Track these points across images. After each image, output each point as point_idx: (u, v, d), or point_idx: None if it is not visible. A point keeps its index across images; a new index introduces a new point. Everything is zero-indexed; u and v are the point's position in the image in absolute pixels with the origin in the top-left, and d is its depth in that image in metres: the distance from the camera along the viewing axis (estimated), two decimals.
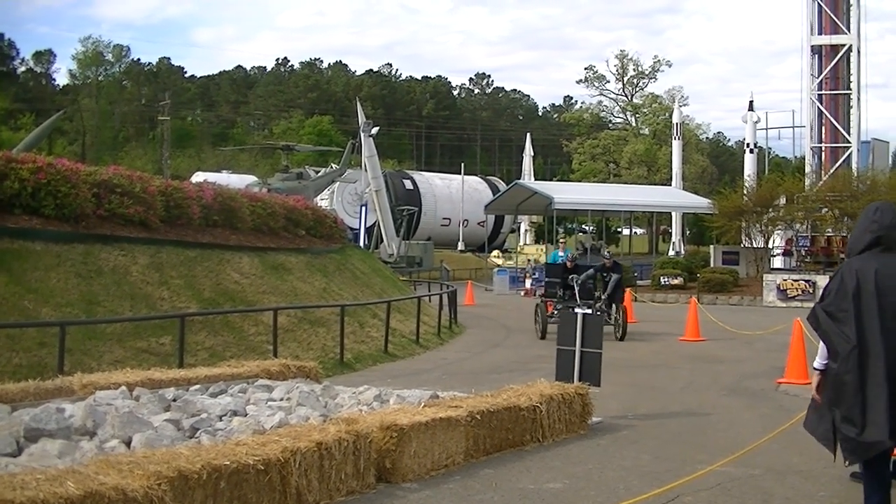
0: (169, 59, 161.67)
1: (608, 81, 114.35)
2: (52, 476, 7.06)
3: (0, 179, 18.63)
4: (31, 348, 15.74)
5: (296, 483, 8.77)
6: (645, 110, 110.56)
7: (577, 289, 26.64)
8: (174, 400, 11.27)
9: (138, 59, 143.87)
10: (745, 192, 55.09)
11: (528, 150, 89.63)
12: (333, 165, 72.59)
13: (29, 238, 18.43)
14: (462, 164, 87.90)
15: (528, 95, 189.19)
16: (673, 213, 73.88)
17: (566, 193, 63.94)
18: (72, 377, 12.08)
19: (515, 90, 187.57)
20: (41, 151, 26.14)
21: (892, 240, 7.72)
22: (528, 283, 52.06)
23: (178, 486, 7.64)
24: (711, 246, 59.14)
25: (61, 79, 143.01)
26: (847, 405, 7.57)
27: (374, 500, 9.36)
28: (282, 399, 11.86)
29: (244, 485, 8.27)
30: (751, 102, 67.64)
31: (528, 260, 64.73)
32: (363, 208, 65.02)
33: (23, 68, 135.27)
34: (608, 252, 28.85)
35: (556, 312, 26.51)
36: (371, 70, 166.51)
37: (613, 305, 27.57)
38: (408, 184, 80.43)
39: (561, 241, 36.95)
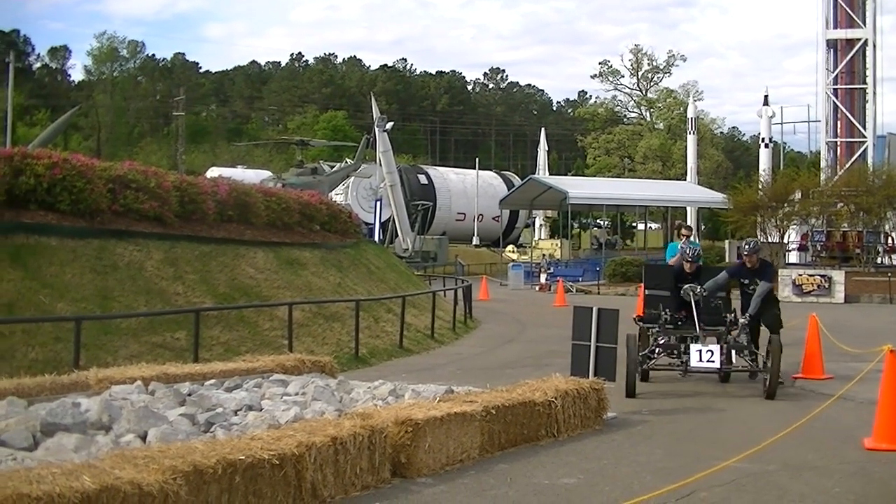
0: (183, 54, 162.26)
1: (623, 76, 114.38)
2: (68, 470, 7.08)
3: (16, 175, 18.70)
4: (46, 343, 15.78)
5: (311, 478, 8.77)
6: (659, 105, 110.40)
7: (695, 308, 15.90)
8: (189, 394, 11.29)
9: (153, 55, 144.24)
10: (760, 186, 54.94)
11: (543, 145, 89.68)
12: (348, 160, 72.59)
13: (44, 233, 18.48)
14: (476, 159, 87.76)
15: (543, 90, 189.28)
16: (688, 208, 73.72)
17: (581, 188, 64.00)
18: (87, 372, 12.11)
19: (530, 85, 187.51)
20: (56, 147, 26.27)
21: None
22: (542, 277, 52.04)
23: (194, 481, 7.65)
24: (726, 241, 59.06)
25: (76, 75, 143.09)
26: None
27: (388, 495, 9.35)
28: (297, 394, 11.87)
29: (259, 479, 8.28)
30: (766, 97, 67.35)
31: (543, 255, 64.63)
32: (378, 203, 64.99)
33: (38, 64, 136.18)
34: (751, 243, 17.50)
35: (657, 349, 16.71)
36: (385, 65, 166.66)
37: (756, 334, 17.21)
38: (422, 179, 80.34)
39: (685, 230, 23.10)
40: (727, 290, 17.58)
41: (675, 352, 16.48)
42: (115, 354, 16.30)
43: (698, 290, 16.07)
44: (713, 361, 15.29)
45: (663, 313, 16.42)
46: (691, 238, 22.21)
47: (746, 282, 17.13)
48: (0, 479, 6.66)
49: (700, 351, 15.35)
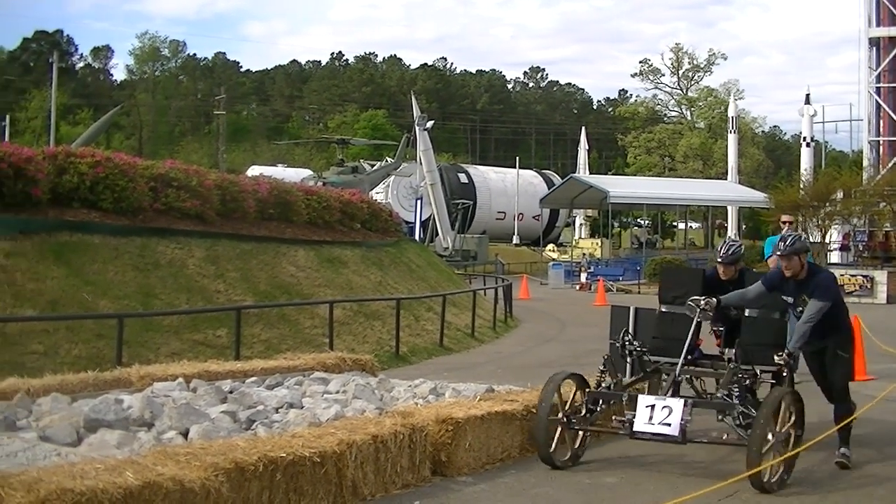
0: (224, 53, 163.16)
1: (663, 74, 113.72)
2: (112, 466, 7.12)
3: (59, 173, 18.88)
4: (89, 340, 15.88)
5: (351, 475, 8.78)
6: (700, 104, 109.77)
7: (692, 333, 11.09)
8: (231, 392, 11.32)
9: (194, 54, 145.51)
10: (801, 186, 54.54)
11: (583, 144, 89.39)
12: (388, 159, 72.80)
13: (87, 231, 18.63)
14: (517, 158, 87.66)
15: (583, 89, 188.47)
16: (729, 208, 73.28)
17: (621, 187, 63.79)
18: (129, 369, 12.16)
19: (570, 84, 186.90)
20: (99, 146, 26.47)
21: None
22: (583, 276, 51.88)
23: (235, 478, 7.68)
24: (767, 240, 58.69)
25: (118, 74, 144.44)
26: None
27: (429, 494, 9.35)
28: (338, 392, 11.87)
29: (300, 477, 8.29)
30: (807, 95, 66.73)
31: (584, 254, 64.45)
32: (418, 202, 65.10)
33: (81, 64, 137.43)
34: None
35: (595, 402, 10.96)
36: (425, 64, 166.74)
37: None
38: (463, 177, 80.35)
39: (786, 219, 20.24)
40: (780, 308, 11.54)
41: (609, 405, 10.96)
42: (156, 352, 16.37)
43: (703, 303, 10.97)
44: (668, 425, 9.82)
45: (624, 340, 11.65)
46: (791, 225, 17.30)
47: (791, 300, 11.07)
48: (44, 474, 6.71)
49: (652, 407, 10.03)
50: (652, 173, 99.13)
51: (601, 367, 11.10)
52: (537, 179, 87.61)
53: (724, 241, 12.95)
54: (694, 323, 11.05)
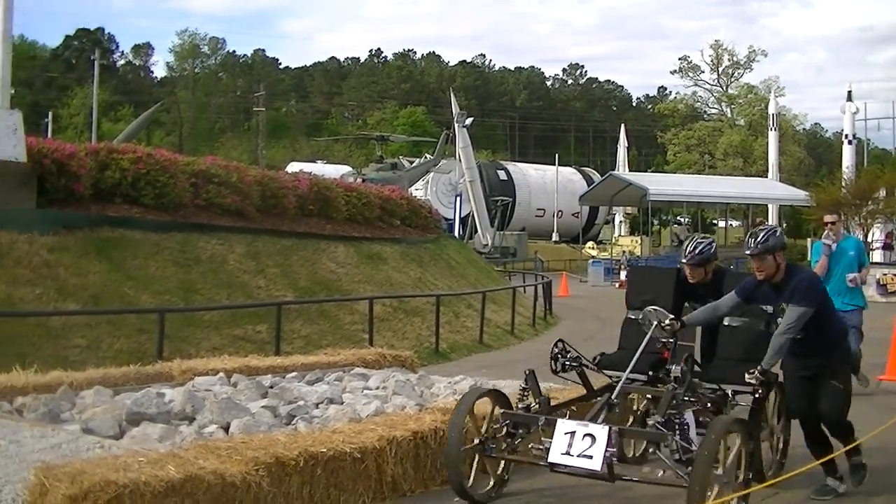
0: (263, 50, 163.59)
1: (703, 71, 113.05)
2: (154, 459, 7.19)
3: (102, 169, 19.06)
4: (131, 334, 16.00)
5: (391, 471, 8.81)
6: (740, 101, 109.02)
7: (642, 348, 9.59)
8: (271, 387, 11.37)
9: (233, 51, 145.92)
10: (843, 184, 54.15)
11: (623, 141, 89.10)
12: (427, 156, 72.85)
13: (129, 227, 18.79)
14: (556, 155, 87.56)
15: (622, 86, 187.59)
16: (769, 206, 72.90)
17: (661, 185, 63.67)
18: (171, 363, 12.23)
19: (609, 80, 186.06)
20: (140, 142, 26.66)
21: None
22: (622, 274, 51.71)
23: (276, 473, 7.73)
24: (808, 239, 58.31)
25: (159, 71, 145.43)
26: None
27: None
28: (377, 388, 11.90)
29: (340, 472, 8.33)
30: (849, 92, 66.24)
31: (623, 251, 64.26)
32: (457, 199, 65.16)
33: (122, 61, 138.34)
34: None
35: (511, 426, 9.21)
36: (464, 61, 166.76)
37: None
38: (502, 174, 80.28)
39: (829, 220, 15.29)
40: (766, 317, 9.87)
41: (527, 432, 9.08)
42: (197, 346, 16.47)
43: (667, 322, 9.44)
44: (590, 457, 8.15)
45: (556, 350, 10.11)
46: (834, 232, 15.17)
47: (770, 309, 9.77)
48: (88, 466, 6.78)
49: (571, 434, 8.34)
50: (691, 171, 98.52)
51: (522, 384, 9.51)
52: (576, 176, 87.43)
53: (692, 238, 10.34)
54: (648, 335, 9.56)
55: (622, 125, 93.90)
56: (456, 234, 57.06)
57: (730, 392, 9.35)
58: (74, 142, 23.42)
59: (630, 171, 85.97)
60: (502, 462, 9.25)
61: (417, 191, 64.26)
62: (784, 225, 75.19)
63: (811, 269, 10.66)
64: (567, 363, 9.94)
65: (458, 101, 64.14)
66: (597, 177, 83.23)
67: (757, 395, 9.12)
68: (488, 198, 66.92)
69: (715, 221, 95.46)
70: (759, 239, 9.14)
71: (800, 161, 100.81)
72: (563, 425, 8.43)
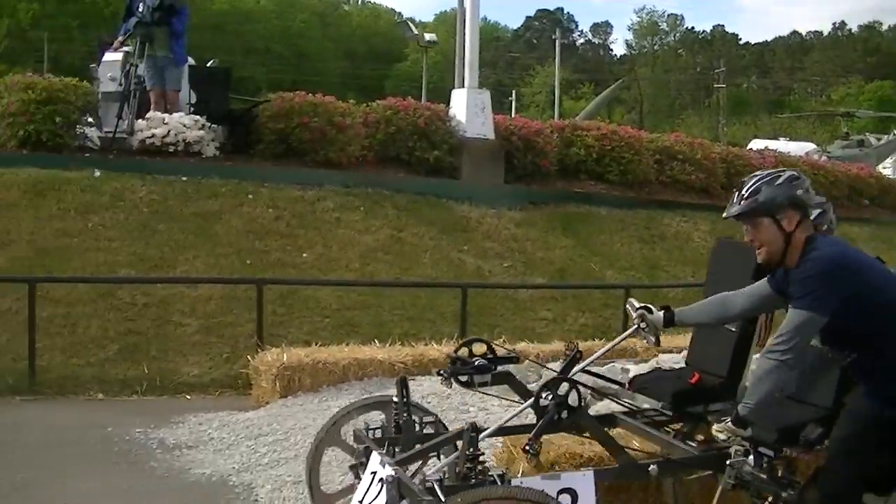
0: (722, 26, 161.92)
1: None
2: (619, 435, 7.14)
3: (567, 146, 19.50)
4: (596, 309, 16.18)
5: None
6: None
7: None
8: None
9: (692, 28, 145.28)
10: None
11: None
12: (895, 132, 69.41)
13: (594, 203, 19.13)
14: None
15: None
16: None
17: None
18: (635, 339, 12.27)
19: None
20: (602, 119, 26.98)
21: None
22: None
23: None
24: None
25: (618, 49, 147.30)
26: None
27: None
28: None
29: None
30: None
31: None
32: None
33: (581, 40, 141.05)
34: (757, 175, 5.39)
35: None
36: None
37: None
38: None
39: None
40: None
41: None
42: None
43: (637, 308, 6.31)
44: None
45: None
46: None
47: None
48: (554, 438, 6.68)
49: (374, 476, 5.29)
50: None
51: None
52: None
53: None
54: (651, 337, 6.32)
55: None
56: None
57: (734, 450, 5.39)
58: (537, 119, 24.03)
59: None
60: None
61: (885, 169, 61.38)
62: None
63: (837, 242, 5.44)
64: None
65: None
66: None
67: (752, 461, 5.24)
68: None
69: None
70: (743, 190, 5.31)
71: None
72: (375, 459, 5.47)
